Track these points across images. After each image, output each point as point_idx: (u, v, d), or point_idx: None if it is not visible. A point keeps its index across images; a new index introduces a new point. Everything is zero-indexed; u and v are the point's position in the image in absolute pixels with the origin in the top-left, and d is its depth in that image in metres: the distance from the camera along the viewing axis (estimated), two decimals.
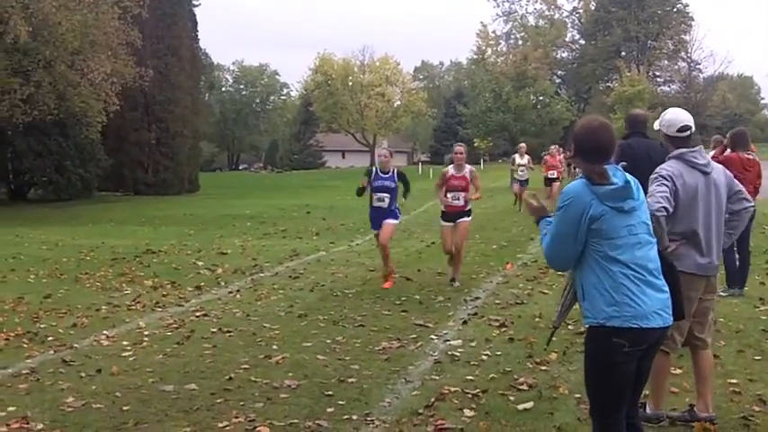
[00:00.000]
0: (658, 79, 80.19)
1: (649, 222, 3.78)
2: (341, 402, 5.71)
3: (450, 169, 10.69)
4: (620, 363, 3.62)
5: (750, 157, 9.43)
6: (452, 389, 5.92)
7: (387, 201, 10.50)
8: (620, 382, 3.67)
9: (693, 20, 77.96)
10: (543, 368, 6.48)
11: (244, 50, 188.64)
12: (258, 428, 5.18)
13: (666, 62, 79.34)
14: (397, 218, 10.77)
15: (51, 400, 5.85)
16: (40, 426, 5.29)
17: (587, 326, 3.72)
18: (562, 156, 24.56)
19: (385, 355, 7.02)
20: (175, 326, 8.44)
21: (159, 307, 9.59)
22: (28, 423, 5.34)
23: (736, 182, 5.27)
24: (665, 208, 4.73)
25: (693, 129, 5.20)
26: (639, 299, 3.59)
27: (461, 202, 10.52)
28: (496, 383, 6.09)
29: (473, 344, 7.37)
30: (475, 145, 68.44)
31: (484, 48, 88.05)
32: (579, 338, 6.93)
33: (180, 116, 40.23)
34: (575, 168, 21.16)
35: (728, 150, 9.74)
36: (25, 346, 7.62)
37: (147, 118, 39.18)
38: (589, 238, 3.61)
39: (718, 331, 7.58)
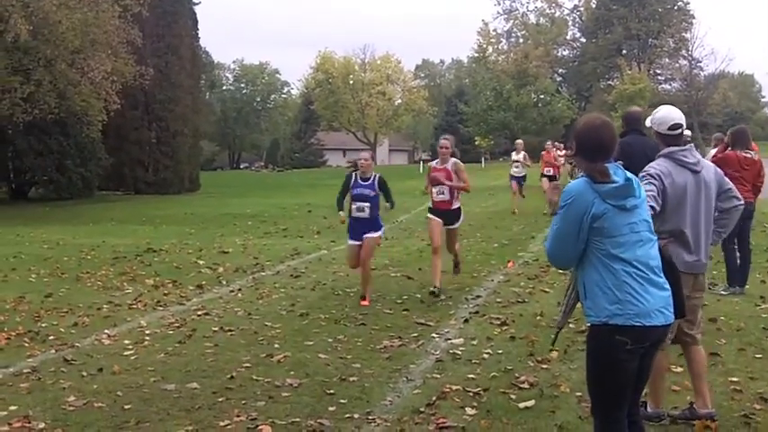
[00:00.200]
0: (659, 77, 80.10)
1: (650, 220, 3.79)
2: (342, 401, 5.71)
3: (434, 162, 10.33)
4: (623, 361, 3.63)
5: (748, 155, 9.42)
6: (454, 387, 5.93)
7: (367, 210, 9.53)
8: (621, 381, 3.68)
9: (694, 18, 77.99)
10: (544, 366, 6.49)
11: (244, 49, 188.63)
12: (260, 427, 5.18)
13: (667, 60, 79.23)
14: (379, 229, 9.81)
15: (53, 399, 5.86)
16: (42, 425, 5.30)
17: (589, 324, 3.73)
18: (562, 152, 24.43)
19: (386, 354, 7.03)
20: (177, 325, 8.45)
21: (160, 306, 9.59)
22: (29, 422, 5.34)
23: (727, 180, 5.29)
24: (651, 207, 4.73)
25: (685, 127, 5.22)
26: (642, 297, 3.59)
27: (446, 197, 9.97)
28: (498, 382, 6.10)
29: (474, 342, 7.38)
30: (476, 143, 68.48)
31: (485, 46, 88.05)
32: (580, 337, 6.94)
33: (180, 115, 40.17)
34: (575, 167, 21.12)
35: (729, 148, 9.74)
36: (26, 345, 7.62)
37: (148, 117, 39.11)
38: (591, 237, 3.62)
39: (719, 329, 7.60)
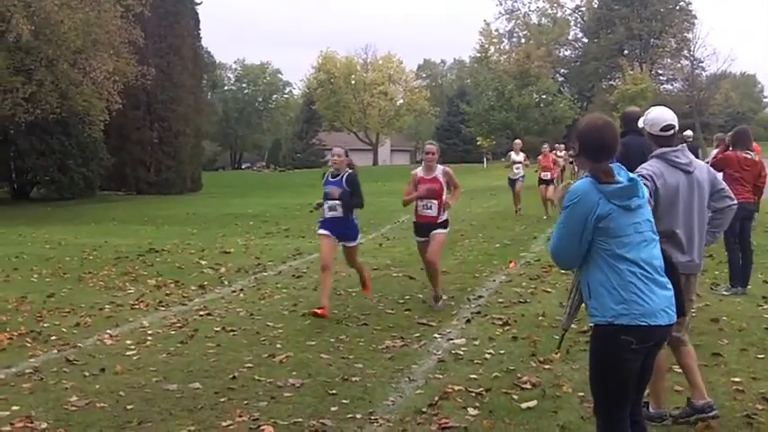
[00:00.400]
0: (661, 77, 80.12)
1: (653, 220, 3.80)
2: (345, 401, 5.71)
3: (420, 171, 9.06)
4: (627, 360, 3.64)
5: (749, 156, 9.42)
6: (456, 387, 5.93)
7: (339, 210, 8.76)
8: (625, 380, 3.68)
9: (696, 18, 78.01)
10: (547, 367, 6.48)
11: (244, 49, 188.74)
12: (262, 427, 5.19)
13: (669, 60, 79.21)
14: (356, 237, 9.06)
15: (55, 400, 5.86)
16: (44, 425, 5.30)
17: (593, 324, 3.73)
18: (562, 153, 24.26)
19: (388, 354, 7.03)
20: (179, 325, 8.45)
21: (163, 306, 9.60)
22: (32, 422, 5.35)
23: (720, 180, 5.31)
24: None
25: (677, 128, 5.22)
26: (647, 296, 3.60)
27: (433, 212, 8.81)
28: (500, 382, 6.10)
29: (476, 342, 7.38)
30: (478, 143, 68.51)
31: (487, 46, 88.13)
32: (582, 337, 6.94)
33: (182, 115, 40.21)
34: (576, 168, 20.96)
35: (730, 149, 9.74)
36: (29, 345, 7.63)
37: (150, 117, 39.17)
38: (596, 237, 3.62)
39: (721, 330, 7.59)
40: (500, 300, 9.45)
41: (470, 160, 70.95)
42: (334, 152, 9.14)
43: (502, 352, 7.00)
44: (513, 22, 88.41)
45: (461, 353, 7.01)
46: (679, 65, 78.46)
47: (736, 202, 5.37)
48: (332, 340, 7.58)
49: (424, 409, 5.48)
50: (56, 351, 7.37)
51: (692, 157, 5.14)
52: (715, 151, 11.58)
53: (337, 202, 8.79)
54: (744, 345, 7.06)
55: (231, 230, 19.14)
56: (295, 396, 5.88)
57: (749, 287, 9.56)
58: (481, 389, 5.89)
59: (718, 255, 11.01)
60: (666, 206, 4.91)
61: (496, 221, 19.33)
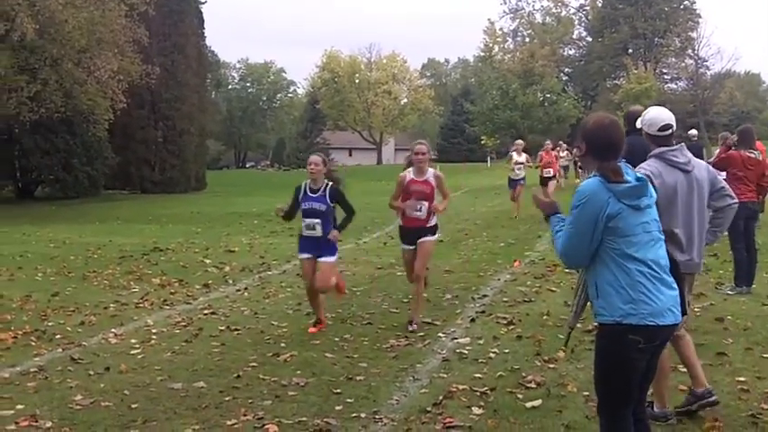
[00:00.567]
0: (665, 76, 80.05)
1: (659, 219, 3.79)
2: (349, 400, 5.71)
3: (409, 173, 8.18)
4: (634, 360, 3.64)
5: (752, 155, 9.39)
6: (461, 387, 5.92)
7: (318, 228, 7.93)
8: (630, 379, 3.68)
9: (700, 17, 77.92)
10: (551, 366, 6.47)
11: (248, 48, 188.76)
12: (266, 426, 5.18)
13: (673, 59, 79.16)
14: (334, 253, 8.15)
15: (60, 398, 5.87)
16: (49, 424, 5.30)
17: (600, 323, 3.72)
18: (564, 152, 24.18)
19: (393, 353, 7.03)
20: (183, 324, 8.46)
21: (167, 305, 9.61)
22: (36, 421, 5.35)
23: (720, 179, 5.30)
24: None
25: (675, 128, 5.22)
26: (655, 296, 3.60)
27: (423, 214, 8.03)
28: (504, 381, 6.09)
29: (481, 342, 7.37)
30: (482, 142, 68.52)
31: (491, 45, 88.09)
32: (587, 336, 6.92)
33: (186, 114, 40.27)
34: (580, 167, 20.85)
35: (733, 148, 9.71)
36: (33, 344, 7.64)
37: (154, 116, 39.24)
38: (605, 236, 3.61)
39: (726, 329, 7.58)
40: (505, 299, 9.44)
41: (474, 159, 70.96)
42: (310, 160, 8.16)
43: (506, 351, 7.00)
44: (518, 21, 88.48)
45: (466, 352, 7.00)
46: (683, 64, 78.41)
47: (736, 200, 5.36)
48: (336, 339, 7.59)
49: (428, 409, 5.47)
50: (60, 350, 7.38)
51: (690, 156, 5.14)
52: (719, 150, 11.57)
53: (317, 220, 7.96)
54: (749, 344, 7.05)
55: (235, 229, 19.15)
56: (299, 395, 5.88)
57: (754, 286, 9.54)
58: (486, 388, 5.89)
59: (722, 254, 11.00)
60: (665, 205, 4.88)
61: (501, 220, 19.32)
